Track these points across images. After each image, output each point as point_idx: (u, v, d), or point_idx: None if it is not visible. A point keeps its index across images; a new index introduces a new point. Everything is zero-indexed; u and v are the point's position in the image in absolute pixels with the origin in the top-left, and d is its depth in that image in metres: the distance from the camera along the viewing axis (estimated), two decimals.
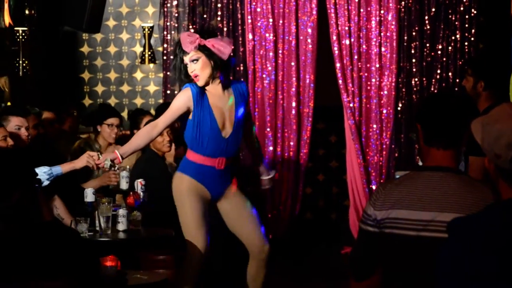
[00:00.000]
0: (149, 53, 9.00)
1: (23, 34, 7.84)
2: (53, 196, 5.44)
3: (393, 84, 8.47)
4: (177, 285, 5.21)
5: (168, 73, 8.69)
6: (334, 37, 8.45)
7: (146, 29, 8.98)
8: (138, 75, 9.33)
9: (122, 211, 5.52)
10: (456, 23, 8.49)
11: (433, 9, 8.49)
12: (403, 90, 8.53)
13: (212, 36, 5.19)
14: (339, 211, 9.18)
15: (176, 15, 8.70)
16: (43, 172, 5.03)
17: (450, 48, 8.51)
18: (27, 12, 8.01)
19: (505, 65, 5.85)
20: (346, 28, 8.46)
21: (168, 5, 8.71)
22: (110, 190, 6.44)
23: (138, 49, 9.26)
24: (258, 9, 8.53)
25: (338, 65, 8.47)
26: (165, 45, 8.73)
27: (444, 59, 8.52)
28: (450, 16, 8.50)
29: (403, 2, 8.47)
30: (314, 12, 8.47)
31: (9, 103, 7.62)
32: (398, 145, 8.57)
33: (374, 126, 8.50)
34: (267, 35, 8.54)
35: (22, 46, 7.82)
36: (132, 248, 5.50)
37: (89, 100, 9.39)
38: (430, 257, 2.51)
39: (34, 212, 3.11)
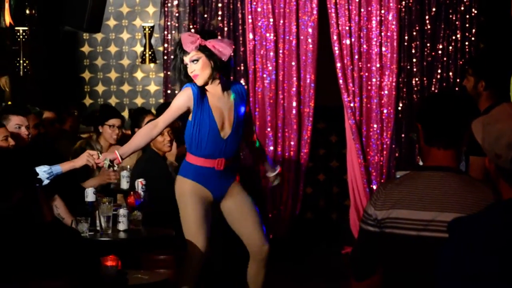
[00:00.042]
0: (150, 53, 9.00)
1: (24, 33, 7.84)
2: (53, 196, 5.44)
3: (393, 84, 8.47)
4: (177, 285, 5.21)
5: (169, 73, 8.69)
6: (335, 37, 8.45)
7: (147, 29, 8.99)
8: (139, 74, 9.33)
9: (122, 211, 5.52)
10: (457, 22, 8.49)
11: (434, 9, 8.49)
12: (404, 90, 8.53)
13: (212, 37, 5.20)
14: (340, 211, 9.18)
15: (177, 14, 8.70)
16: (43, 171, 5.03)
17: (450, 48, 8.50)
18: (27, 11, 8.01)
19: (506, 64, 5.84)
20: (347, 28, 8.46)
21: (169, 4, 8.71)
22: (111, 189, 6.44)
23: (138, 48, 9.26)
24: (259, 9, 8.53)
25: (338, 64, 8.47)
26: (166, 45, 8.73)
27: (445, 59, 8.52)
28: (450, 16, 8.50)
29: (403, 2, 8.47)
30: (315, 12, 8.47)
31: (9, 103, 7.62)
32: (398, 145, 8.57)
33: (375, 126, 8.50)
34: (267, 35, 8.54)
35: (22, 45, 7.82)
36: (133, 248, 5.50)
37: (89, 100, 9.40)
38: (430, 257, 2.51)
39: (35, 212, 3.11)
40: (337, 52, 8.45)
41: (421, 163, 3.17)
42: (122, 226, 5.47)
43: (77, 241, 3.06)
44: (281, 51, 8.56)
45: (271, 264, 5.49)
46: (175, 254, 5.48)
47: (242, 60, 8.59)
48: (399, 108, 8.53)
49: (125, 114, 8.93)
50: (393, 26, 8.43)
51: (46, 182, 5.06)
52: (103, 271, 4.25)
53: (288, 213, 8.65)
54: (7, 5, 7.75)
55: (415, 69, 8.52)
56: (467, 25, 8.48)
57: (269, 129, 8.55)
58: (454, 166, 2.85)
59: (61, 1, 8.43)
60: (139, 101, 9.29)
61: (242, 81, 8.43)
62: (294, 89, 8.54)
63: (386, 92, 8.49)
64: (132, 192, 5.86)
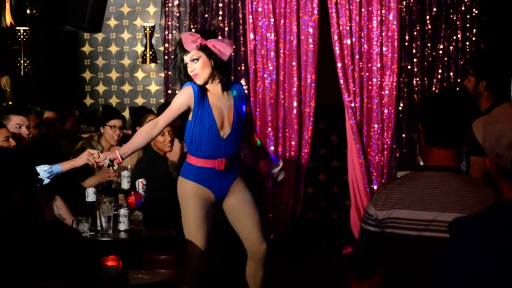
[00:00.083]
0: (151, 52, 9.00)
1: (25, 33, 7.85)
2: (54, 196, 5.44)
3: (394, 84, 8.47)
4: (177, 285, 5.21)
5: (169, 72, 8.69)
6: (336, 37, 8.45)
7: (148, 29, 8.99)
8: (140, 74, 9.33)
9: (123, 211, 5.52)
10: (458, 22, 8.49)
11: (434, 9, 8.49)
12: (405, 90, 8.53)
13: (213, 37, 5.21)
14: (340, 211, 9.18)
15: (178, 14, 8.70)
16: (43, 171, 5.03)
17: (451, 48, 8.50)
18: (28, 11, 8.02)
19: (507, 64, 5.84)
20: (348, 27, 8.45)
21: (170, 4, 8.71)
22: (111, 189, 6.45)
23: (139, 48, 9.27)
24: (260, 9, 8.53)
25: (339, 64, 8.47)
26: (166, 45, 8.73)
27: (446, 59, 8.52)
28: (451, 16, 8.49)
29: (404, 2, 8.47)
30: (315, 12, 8.47)
31: (10, 103, 7.62)
32: (399, 145, 8.57)
33: (376, 126, 8.50)
34: (268, 34, 8.54)
35: (23, 45, 7.83)
36: (134, 248, 5.50)
37: (90, 100, 9.40)
38: (431, 257, 2.51)
39: (36, 212, 3.11)
40: (337, 52, 8.45)
41: (421, 163, 3.17)
42: (122, 226, 5.47)
43: (77, 241, 3.06)
44: (281, 51, 8.56)
45: (271, 264, 5.48)
46: (175, 254, 5.48)
47: (243, 60, 8.59)
48: (400, 108, 8.53)
49: (126, 114, 8.93)
50: (393, 26, 8.43)
51: (46, 181, 5.05)
52: (104, 271, 4.26)
53: (288, 213, 8.65)
54: (8, 5, 7.76)
55: (415, 69, 8.52)
56: (467, 25, 8.48)
57: (269, 129, 8.55)
58: (455, 166, 2.85)
59: (62, 1, 8.44)
60: (139, 101, 9.29)
61: (243, 81, 8.43)
62: (294, 89, 8.53)
63: (386, 92, 8.49)
64: (132, 192, 5.86)
